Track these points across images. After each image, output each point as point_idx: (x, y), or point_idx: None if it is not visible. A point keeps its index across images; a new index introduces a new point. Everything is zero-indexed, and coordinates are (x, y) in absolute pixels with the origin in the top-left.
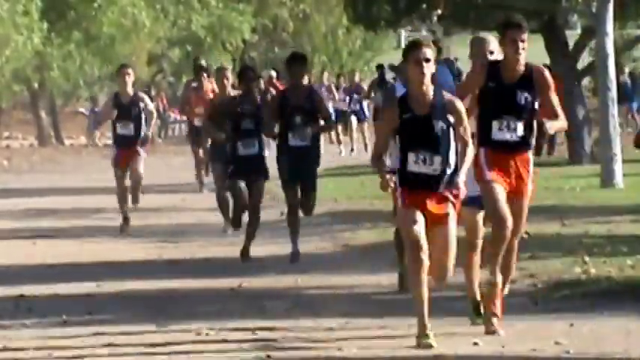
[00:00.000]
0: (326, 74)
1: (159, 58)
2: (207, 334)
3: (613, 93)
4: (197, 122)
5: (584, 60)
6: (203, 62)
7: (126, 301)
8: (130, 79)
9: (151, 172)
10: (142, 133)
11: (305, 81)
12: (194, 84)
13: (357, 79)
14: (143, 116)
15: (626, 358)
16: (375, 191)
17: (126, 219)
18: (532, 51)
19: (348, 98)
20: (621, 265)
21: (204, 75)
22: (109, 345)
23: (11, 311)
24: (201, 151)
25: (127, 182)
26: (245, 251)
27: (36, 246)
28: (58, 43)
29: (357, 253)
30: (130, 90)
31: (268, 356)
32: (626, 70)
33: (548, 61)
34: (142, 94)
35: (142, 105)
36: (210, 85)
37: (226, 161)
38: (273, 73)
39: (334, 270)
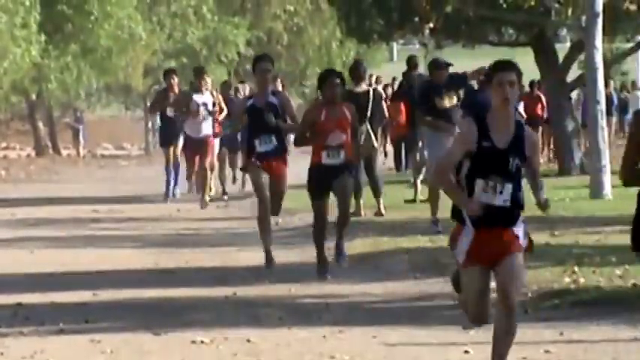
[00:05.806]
0: None
1: (155, 70)
2: (201, 342)
3: (602, 106)
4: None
5: (574, 73)
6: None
7: (122, 309)
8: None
9: (146, 183)
10: None
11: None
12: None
13: None
14: None
15: None
16: (366, 202)
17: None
18: (521, 64)
19: None
20: (610, 275)
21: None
22: (105, 352)
23: (9, 319)
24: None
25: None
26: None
27: (33, 255)
28: (55, 55)
29: (350, 263)
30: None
31: None
32: (612, 83)
33: (537, 75)
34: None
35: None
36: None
37: None
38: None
39: (327, 279)
